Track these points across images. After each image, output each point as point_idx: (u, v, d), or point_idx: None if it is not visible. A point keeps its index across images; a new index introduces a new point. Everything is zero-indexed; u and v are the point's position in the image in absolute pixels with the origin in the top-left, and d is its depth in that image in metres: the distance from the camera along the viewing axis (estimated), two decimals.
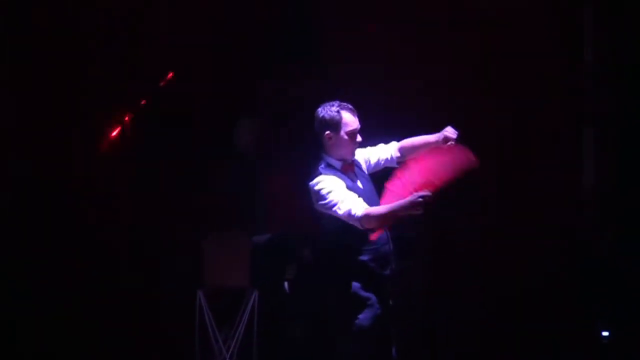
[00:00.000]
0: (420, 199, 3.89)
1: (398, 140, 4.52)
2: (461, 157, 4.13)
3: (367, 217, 3.99)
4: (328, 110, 4.21)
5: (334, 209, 4.06)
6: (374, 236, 4.11)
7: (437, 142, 4.32)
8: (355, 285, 4.14)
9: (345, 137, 4.22)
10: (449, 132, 4.32)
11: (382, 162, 4.50)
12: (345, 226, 4.09)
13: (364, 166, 4.46)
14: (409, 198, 3.92)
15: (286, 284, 6.61)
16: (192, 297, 6.44)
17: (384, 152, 4.51)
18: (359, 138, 4.25)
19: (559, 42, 6.72)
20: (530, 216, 6.65)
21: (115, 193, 6.79)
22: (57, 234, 6.67)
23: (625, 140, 6.58)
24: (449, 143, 4.27)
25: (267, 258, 6.54)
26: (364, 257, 4.16)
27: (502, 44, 6.74)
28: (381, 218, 3.99)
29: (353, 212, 4.01)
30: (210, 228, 6.57)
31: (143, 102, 6.69)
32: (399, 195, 4.00)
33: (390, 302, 4.26)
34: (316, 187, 4.14)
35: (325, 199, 4.09)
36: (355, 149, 4.29)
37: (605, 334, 6.25)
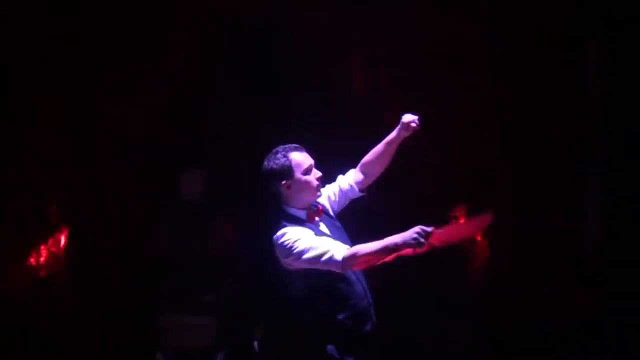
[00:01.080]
0: (422, 231, 3.51)
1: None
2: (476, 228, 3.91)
3: (353, 257, 3.62)
4: (274, 160, 3.92)
5: (305, 256, 3.69)
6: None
7: (399, 136, 4.14)
8: (331, 348, 3.80)
9: (304, 178, 3.93)
10: (408, 118, 4.13)
11: (344, 194, 4.22)
12: (316, 283, 3.77)
13: (329, 208, 4.17)
14: (410, 231, 3.53)
15: (255, 344, 6.38)
16: None
17: (343, 183, 4.25)
18: (317, 173, 3.98)
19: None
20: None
21: (65, 256, 6.67)
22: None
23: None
24: (411, 127, 4.11)
25: (233, 317, 6.36)
26: (340, 317, 3.81)
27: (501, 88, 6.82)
28: (371, 256, 3.61)
29: (330, 255, 3.65)
30: (167, 287, 6.37)
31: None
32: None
33: None
34: (281, 240, 3.79)
35: (294, 249, 3.73)
36: (319, 187, 4.01)
37: None
